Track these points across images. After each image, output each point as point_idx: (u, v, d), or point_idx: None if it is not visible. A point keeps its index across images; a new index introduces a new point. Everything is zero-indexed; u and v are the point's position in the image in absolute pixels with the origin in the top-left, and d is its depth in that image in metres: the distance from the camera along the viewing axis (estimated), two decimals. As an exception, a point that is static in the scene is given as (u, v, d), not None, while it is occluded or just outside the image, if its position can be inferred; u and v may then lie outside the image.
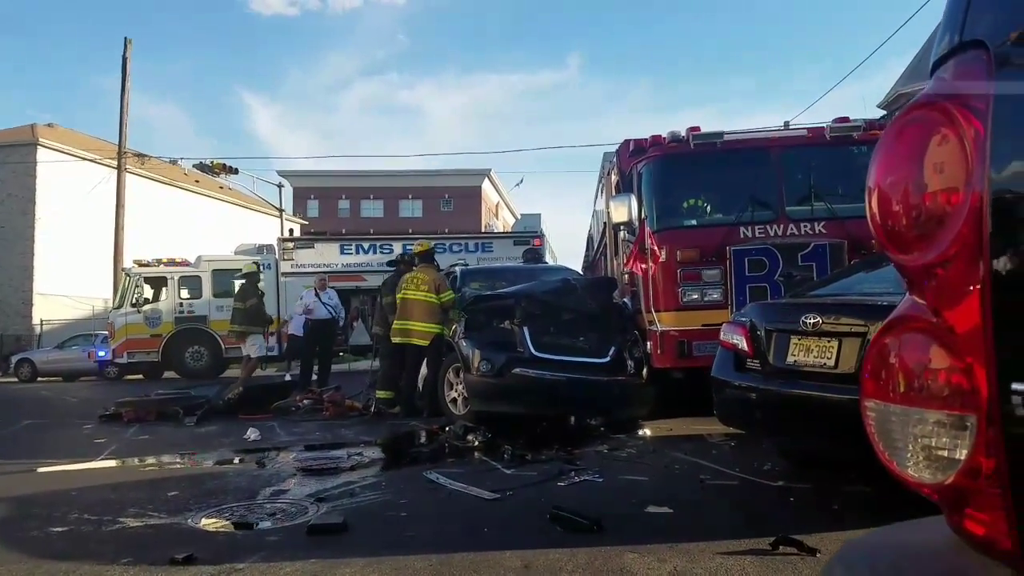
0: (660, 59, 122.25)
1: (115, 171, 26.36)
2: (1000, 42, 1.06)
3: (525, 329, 7.88)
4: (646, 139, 8.59)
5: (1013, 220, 1.04)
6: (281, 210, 34.49)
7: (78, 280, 32.35)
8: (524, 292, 8.45)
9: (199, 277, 20.30)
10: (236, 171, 28.04)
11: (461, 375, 8.28)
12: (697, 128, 8.18)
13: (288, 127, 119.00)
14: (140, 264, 20.69)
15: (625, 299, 9.09)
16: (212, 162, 27.17)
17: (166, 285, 20.30)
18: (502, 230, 52.71)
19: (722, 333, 5.49)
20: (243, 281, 13.98)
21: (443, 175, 56.81)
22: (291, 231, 28.32)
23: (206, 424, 9.62)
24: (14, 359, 25.68)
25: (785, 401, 4.70)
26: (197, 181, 40.96)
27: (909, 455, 1.17)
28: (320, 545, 4.08)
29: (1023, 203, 1.04)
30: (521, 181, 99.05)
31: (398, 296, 9.63)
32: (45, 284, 32.97)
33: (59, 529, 4.61)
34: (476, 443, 6.89)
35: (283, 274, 19.83)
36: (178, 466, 6.96)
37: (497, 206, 67.30)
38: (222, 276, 20.24)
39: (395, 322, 9.54)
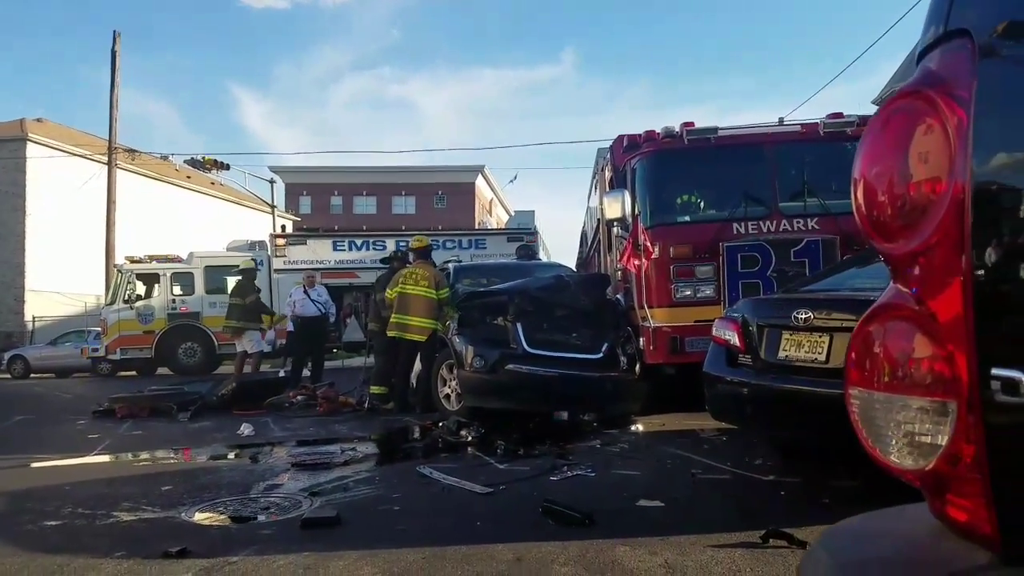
0: (657, 56, 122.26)
1: (106, 167, 26.26)
2: (986, 33, 1.08)
3: (518, 325, 7.90)
4: (640, 135, 8.60)
5: (995, 209, 1.06)
6: (273, 206, 34.37)
7: (70, 276, 32.19)
8: (517, 288, 8.47)
9: (191, 273, 20.25)
10: (228, 167, 27.97)
11: (454, 371, 8.30)
12: (691, 124, 8.19)
13: (280, 123, 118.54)
14: (132, 260, 20.61)
15: (618, 295, 9.11)
16: (204, 158, 27.09)
17: (158, 281, 20.24)
18: (496, 227, 52.65)
19: (714, 329, 5.52)
20: (240, 277, 13.98)
21: (436, 171, 56.73)
22: (283, 227, 28.29)
23: (200, 420, 9.62)
24: (7, 356, 25.60)
25: (776, 396, 4.72)
26: (189, 177, 40.78)
27: (892, 442, 1.19)
28: (313, 539, 4.10)
29: (1005, 192, 1.06)
30: (515, 177, 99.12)
31: (395, 291, 9.60)
32: (37, 281, 32.82)
33: (53, 523, 4.61)
34: (469, 438, 6.92)
35: (275, 271, 19.80)
36: (172, 461, 6.97)
37: (491, 202, 67.25)
38: (214, 272, 20.24)
39: (392, 317, 9.53)
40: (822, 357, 4.41)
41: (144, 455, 7.27)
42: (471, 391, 7.96)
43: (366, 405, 9.94)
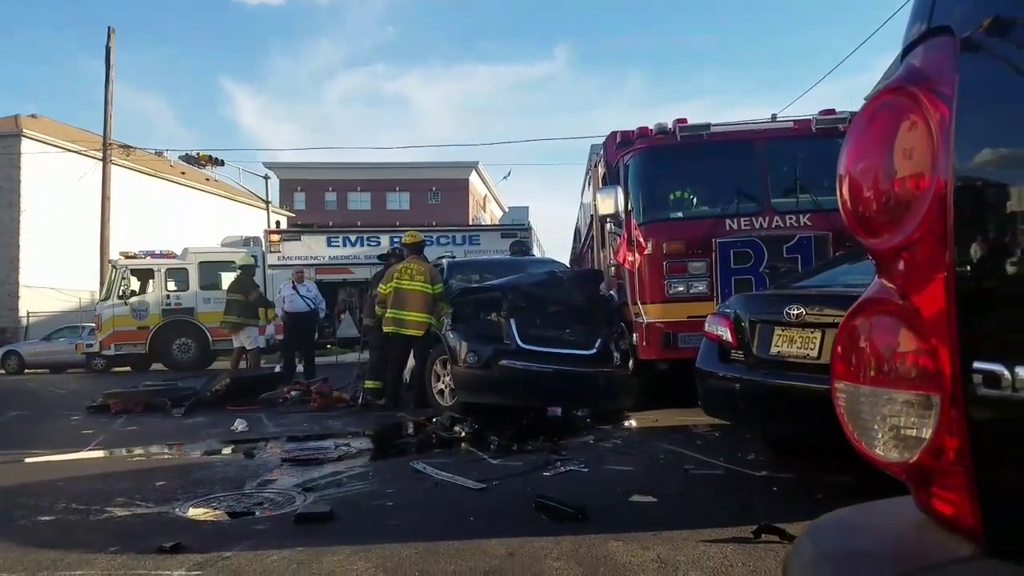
0: (651, 53, 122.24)
1: (100, 163, 26.18)
2: (968, 29, 1.09)
3: (512, 321, 7.91)
4: (633, 131, 8.61)
5: (977, 204, 1.07)
6: (268, 202, 34.37)
7: (64, 272, 32.16)
8: (511, 284, 8.48)
9: (186, 269, 20.21)
10: (222, 163, 27.94)
11: (448, 367, 8.31)
12: (684, 120, 8.21)
13: (275, 119, 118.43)
14: (127, 256, 20.57)
15: (612, 291, 9.14)
16: (198, 154, 27.04)
17: (153, 277, 20.19)
18: (489, 223, 52.61)
19: (707, 325, 5.54)
20: (239, 273, 13.95)
21: (430, 167, 56.65)
22: (278, 223, 28.31)
23: (194, 415, 9.61)
24: (1, 351, 25.54)
25: (769, 392, 4.74)
26: (183, 173, 40.69)
27: (878, 435, 1.20)
28: (307, 534, 4.10)
29: (987, 188, 1.07)
30: (509, 174, 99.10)
31: (391, 286, 9.59)
32: (31, 276, 32.76)
33: (47, 518, 4.62)
34: (463, 434, 6.92)
35: (270, 266, 19.78)
36: (166, 456, 6.96)
37: (485, 199, 67.20)
38: (209, 268, 20.23)
39: (388, 312, 9.52)
40: (814, 353, 4.43)
41: (138, 450, 7.26)
42: (465, 387, 7.97)
43: (360, 401, 9.94)
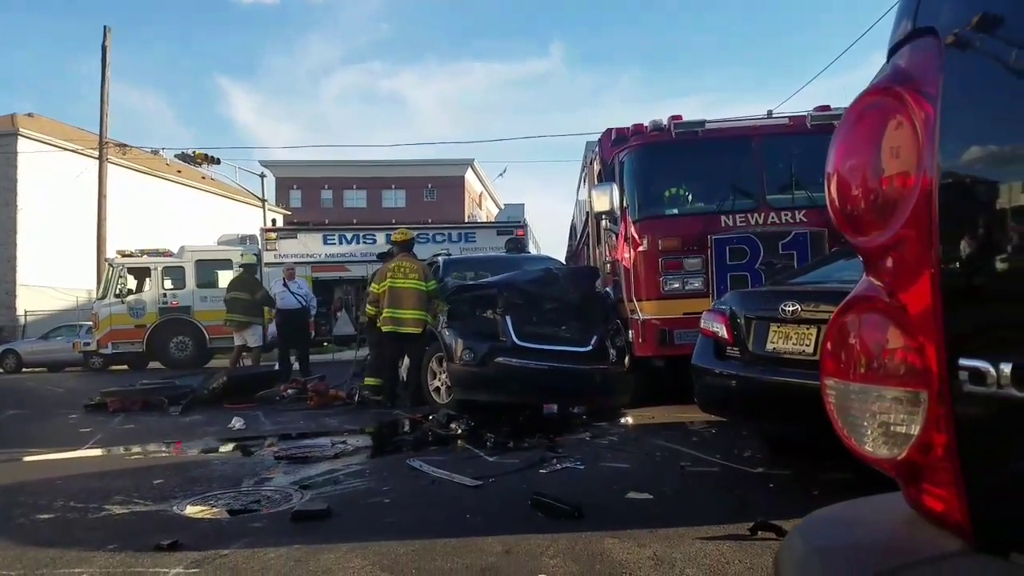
0: (646, 50, 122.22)
1: (97, 161, 26.14)
2: (953, 29, 1.10)
3: (507, 318, 7.92)
4: (628, 128, 8.62)
5: (961, 202, 1.08)
6: (264, 200, 34.21)
7: (62, 271, 32.14)
8: (506, 282, 8.49)
9: (182, 268, 20.22)
10: (218, 161, 27.85)
11: (444, 364, 8.32)
12: (679, 117, 8.22)
13: (270, 117, 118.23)
14: (123, 255, 20.57)
15: (607, 288, 9.15)
16: (194, 152, 26.97)
17: (150, 276, 20.19)
18: (485, 220, 52.60)
19: (702, 321, 5.54)
20: (242, 272, 13.94)
21: (426, 165, 56.60)
22: (274, 221, 28.24)
23: (191, 413, 9.61)
24: (-1, 350, 25.58)
25: (764, 388, 4.75)
26: (179, 171, 40.58)
27: (867, 432, 1.21)
28: (304, 531, 4.12)
29: (971, 186, 1.08)
30: (505, 171, 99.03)
31: (385, 285, 9.59)
32: (28, 275, 32.72)
33: (45, 516, 4.62)
34: (459, 431, 6.94)
35: (267, 264, 19.75)
36: (163, 454, 6.96)
37: (480, 196, 67.15)
38: (205, 267, 20.25)
39: (385, 311, 9.53)
40: (810, 349, 4.44)
41: (136, 449, 7.26)
42: (461, 384, 7.98)
43: (356, 398, 9.95)
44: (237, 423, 8.37)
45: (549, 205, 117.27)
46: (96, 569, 3.63)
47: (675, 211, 8.45)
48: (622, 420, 7.56)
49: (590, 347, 7.91)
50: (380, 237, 18.89)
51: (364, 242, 19.38)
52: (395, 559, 3.63)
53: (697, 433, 6.79)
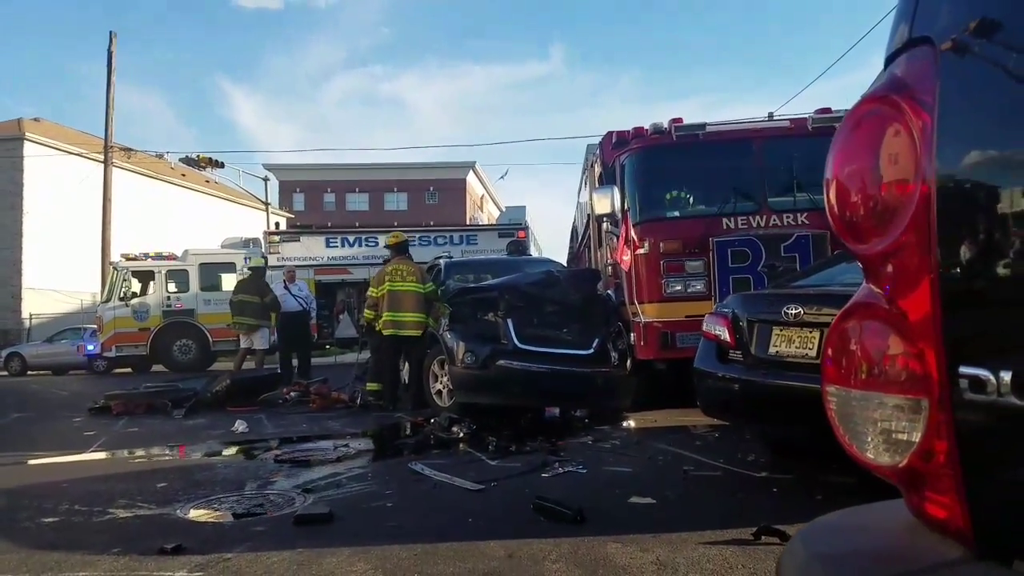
0: (647, 50, 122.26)
1: (102, 165, 26.21)
2: (953, 32, 1.10)
3: (509, 321, 7.91)
4: (628, 131, 8.61)
5: (959, 209, 1.08)
6: (267, 203, 34.34)
7: (66, 274, 32.23)
8: (508, 284, 8.48)
9: (186, 271, 20.24)
10: (222, 165, 27.96)
11: (446, 367, 8.32)
12: (679, 120, 8.21)
13: (273, 121, 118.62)
14: (128, 258, 20.60)
15: (609, 291, 9.14)
16: (198, 156, 27.06)
17: (153, 279, 20.22)
18: (487, 222, 52.62)
19: (705, 324, 5.53)
20: (251, 275, 13.97)
21: (428, 168, 56.68)
22: (277, 224, 28.30)
23: (194, 417, 9.63)
24: (4, 353, 25.63)
25: (767, 392, 4.73)
26: (184, 175, 40.77)
27: (868, 439, 1.21)
28: (307, 535, 4.11)
29: (968, 192, 1.08)
30: (506, 173, 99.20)
31: (383, 288, 9.60)
32: (34, 278, 32.83)
33: (50, 520, 4.63)
34: (461, 434, 6.94)
35: (270, 267, 19.78)
36: (167, 458, 6.97)
37: (482, 198, 67.21)
38: (209, 270, 20.28)
39: (384, 314, 9.54)
40: (813, 352, 4.43)
41: (140, 452, 7.29)
42: (462, 387, 7.98)
43: (358, 401, 9.95)
44: (240, 426, 8.39)
45: (550, 207, 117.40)
46: (100, 572, 3.64)
47: (676, 214, 8.44)
48: (624, 424, 7.54)
49: (592, 350, 7.90)
50: (382, 240, 18.89)
51: (366, 245, 19.40)
52: (397, 563, 3.63)
53: (700, 437, 6.78)
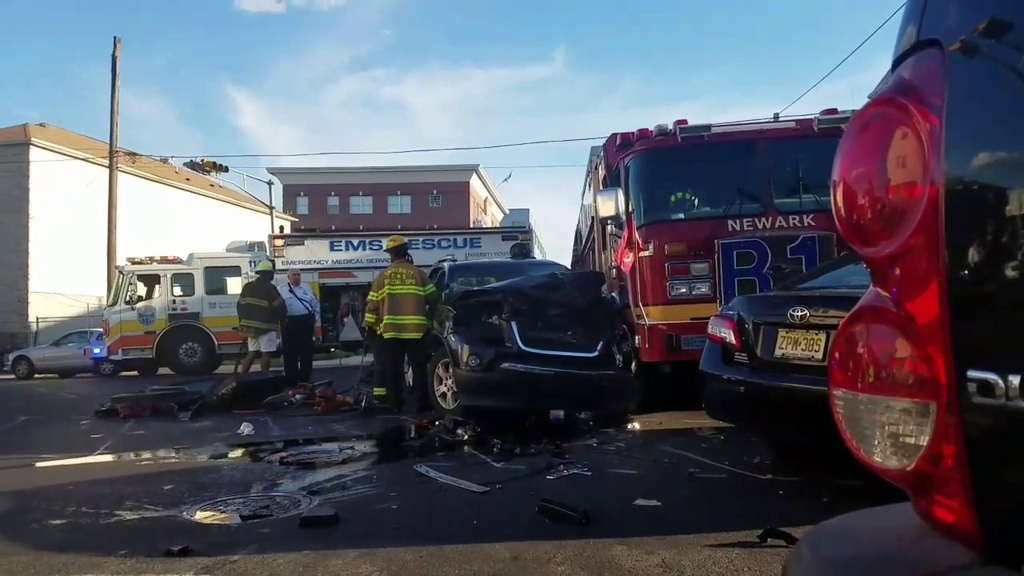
0: (651, 51, 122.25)
1: (107, 170, 26.29)
2: (962, 33, 1.10)
3: (513, 324, 7.89)
4: (633, 133, 8.60)
5: (967, 212, 1.08)
6: (271, 207, 34.38)
7: (73, 278, 32.33)
8: (512, 287, 8.47)
9: (192, 274, 20.30)
10: (226, 169, 27.98)
11: (450, 370, 8.31)
12: (684, 121, 8.20)
13: (277, 124, 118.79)
14: (133, 262, 20.66)
15: (613, 293, 9.13)
16: (203, 160, 27.11)
17: (159, 282, 20.30)
18: (490, 225, 52.64)
19: (710, 326, 5.52)
20: (259, 279, 14.00)
21: (431, 171, 56.69)
22: (281, 228, 28.24)
23: (200, 419, 9.65)
24: (11, 356, 25.73)
25: (773, 394, 4.72)
26: (188, 179, 40.84)
27: (876, 442, 1.21)
28: (312, 537, 4.12)
29: (976, 195, 1.08)
30: (509, 176, 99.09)
31: (383, 292, 9.63)
32: (40, 282, 32.95)
33: (57, 522, 4.64)
34: (465, 437, 6.94)
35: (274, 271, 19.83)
36: (173, 460, 6.99)
37: (485, 201, 67.21)
38: (214, 273, 20.34)
39: (385, 318, 9.56)
40: (819, 355, 4.41)
41: (146, 454, 7.31)
42: (467, 390, 7.96)
43: (363, 404, 9.96)
44: (246, 429, 8.41)
45: (554, 210, 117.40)
46: (107, 574, 3.65)
47: (681, 216, 8.43)
48: (629, 426, 7.54)
49: (596, 353, 7.87)
50: (386, 243, 18.95)
51: (370, 248, 19.43)
52: (403, 565, 3.63)
53: (705, 439, 6.77)
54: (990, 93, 1.08)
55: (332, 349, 19.69)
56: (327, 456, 6.57)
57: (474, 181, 61.89)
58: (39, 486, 5.85)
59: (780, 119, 8.53)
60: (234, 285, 19.75)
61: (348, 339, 18.80)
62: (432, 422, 7.82)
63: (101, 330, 21.57)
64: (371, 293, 10.14)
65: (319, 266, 19.11)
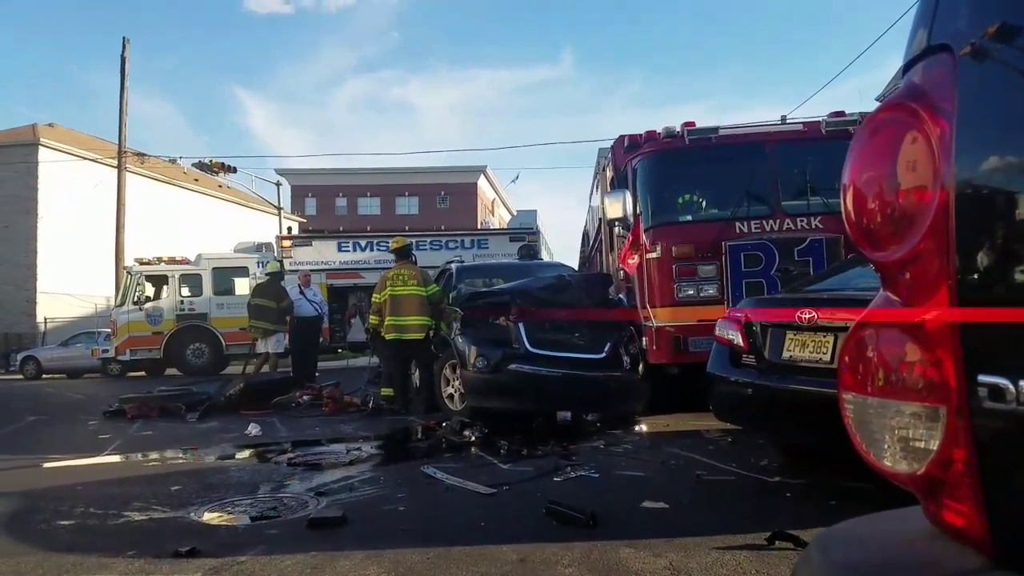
0: (659, 52, 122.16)
1: (116, 170, 26.40)
2: (973, 37, 1.10)
3: (521, 325, 7.89)
4: (641, 135, 8.60)
5: (977, 216, 1.08)
6: (279, 208, 34.46)
7: (81, 278, 32.48)
8: (519, 289, 8.48)
9: (199, 275, 20.35)
10: (235, 170, 28.04)
11: (458, 371, 8.32)
12: (692, 123, 8.19)
13: (285, 125, 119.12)
14: (141, 262, 20.74)
15: (621, 295, 9.12)
16: (211, 161, 27.18)
17: (167, 283, 20.35)
18: (498, 227, 52.67)
19: (717, 328, 5.51)
20: (268, 280, 14.04)
21: (439, 172, 56.77)
22: (289, 229, 28.43)
23: (208, 420, 9.67)
24: (19, 356, 25.85)
25: (781, 396, 4.71)
26: (196, 180, 41.02)
27: (885, 446, 1.21)
28: (320, 538, 4.12)
29: (987, 200, 1.08)
30: (517, 177, 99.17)
31: (385, 294, 9.65)
32: (48, 283, 33.12)
33: (65, 523, 4.66)
34: (472, 438, 6.95)
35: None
36: (181, 461, 7.01)
37: (493, 203, 67.25)
38: (222, 274, 20.39)
39: (387, 319, 9.58)
40: (827, 357, 4.40)
41: (154, 455, 7.32)
42: (474, 391, 7.97)
43: (371, 405, 9.98)
44: (253, 430, 8.42)
45: (561, 211, 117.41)
46: (115, 575, 3.66)
47: (689, 218, 8.43)
48: (636, 428, 7.53)
49: (604, 354, 7.87)
50: (390, 244, 18.98)
51: (378, 249, 19.46)
52: (410, 567, 3.63)
53: (713, 441, 6.75)
54: (1000, 97, 1.08)
55: (339, 350, 19.72)
56: (334, 457, 6.58)
57: (482, 182, 61.94)
58: (47, 487, 5.87)
59: (787, 121, 8.52)
60: (242, 286, 19.81)
61: (355, 340, 18.83)
62: (439, 423, 7.83)
63: (109, 330, 21.66)
64: (374, 295, 10.17)
65: (327, 267, 19.15)
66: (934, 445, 1.13)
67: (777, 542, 3.68)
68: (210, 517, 4.72)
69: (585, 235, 17.52)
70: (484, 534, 4.14)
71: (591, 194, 14.54)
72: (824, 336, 4.47)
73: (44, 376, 24.45)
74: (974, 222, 1.08)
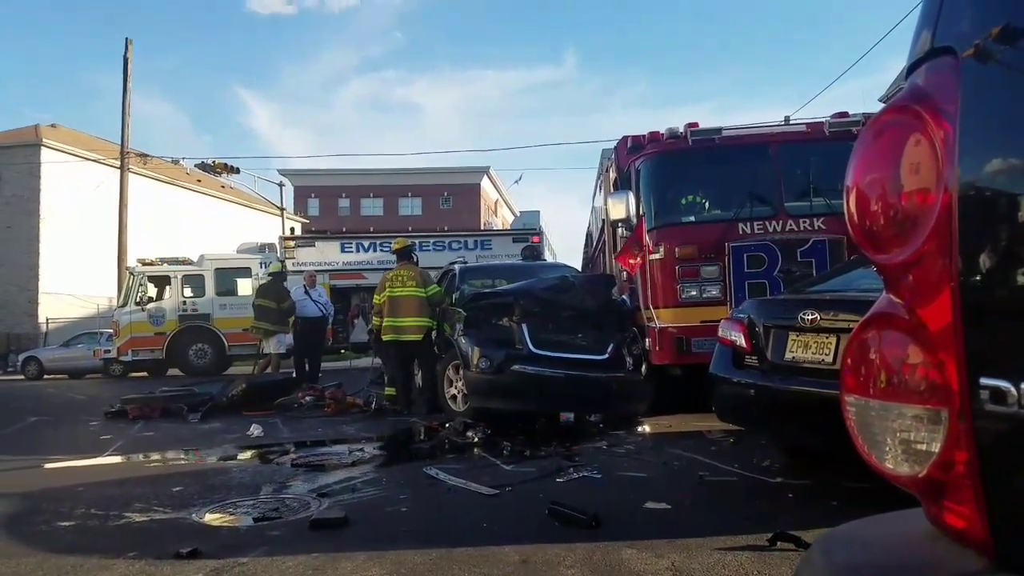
0: (662, 53, 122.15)
1: (118, 171, 26.44)
2: (976, 39, 1.10)
3: (524, 326, 7.89)
4: (644, 136, 8.60)
5: (980, 219, 1.08)
6: (282, 209, 34.57)
7: (83, 279, 32.50)
8: (523, 289, 8.47)
9: (202, 276, 20.38)
10: (237, 170, 28.10)
11: (461, 372, 8.32)
12: (695, 124, 8.19)
13: (288, 126, 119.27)
14: (144, 263, 20.76)
15: (624, 296, 9.12)
16: (214, 162, 27.23)
17: (169, 284, 20.38)
18: (501, 227, 52.72)
19: (720, 329, 5.51)
20: (271, 280, 14.06)
21: (442, 173, 56.81)
22: (292, 230, 28.35)
23: (210, 421, 9.67)
24: (21, 357, 25.89)
25: (783, 397, 4.71)
26: (199, 181, 41.06)
27: (887, 448, 1.21)
28: (322, 539, 4.12)
29: (990, 202, 1.08)
30: (520, 178, 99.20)
31: (384, 295, 9.66)
32: (50, 283, 33.16)
33: (66, 524, 4.66)
34: (475, 439, 6.94)
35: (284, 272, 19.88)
36: (182, 462, 7.02)
37: (496, 203, 67.29)
38: (225, 275, 20.41)
39: (385, 321, 9.59)
40: (829, 358, 4.40)
41: (155, 456, 7.32)
42: (477, 392, 7.97)
43: (373, 406, 9.99)
44: (255, 430, 8.40)
45: (565, 212, 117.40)
46: (116, 576, 3.67)
47: (692, 218, 8.42)
48: (639, 429, 7.53)
49: (607, 355, 7.86)
50: (392, 245, 18.99)
51: (381, 250, 19.47)
52: (412, 568, 3.63)
53: (715, 442, 6.75)
54: (1004, 100, 1.08)
55: (342, 351, 19.73)
56: (337, 458, 6.58)
57: (485, 183, 61.98)
58: (48, 487, 5.87)
59: (791, 122, 8.51)
60: (244, 287, 19.84)
61: (358, 340, 18.84)
62: (442, 424, 7.82)
63: (111, 331, 21.68)
64: (375, 296, 10.18)
65: (330, 268, 19.17)
66: (936, 447, 1.13)
67: (779, 543, 3.67)
68: (212, 518, 4.71)
69: (588, 236, 17.52)
70: (486, 535, 4.14)
71: (594, 195, 14.54)
72: (827, 337, 4.47)
73: (46, 376, 24.47)
74: (977, 225, 1.07)
